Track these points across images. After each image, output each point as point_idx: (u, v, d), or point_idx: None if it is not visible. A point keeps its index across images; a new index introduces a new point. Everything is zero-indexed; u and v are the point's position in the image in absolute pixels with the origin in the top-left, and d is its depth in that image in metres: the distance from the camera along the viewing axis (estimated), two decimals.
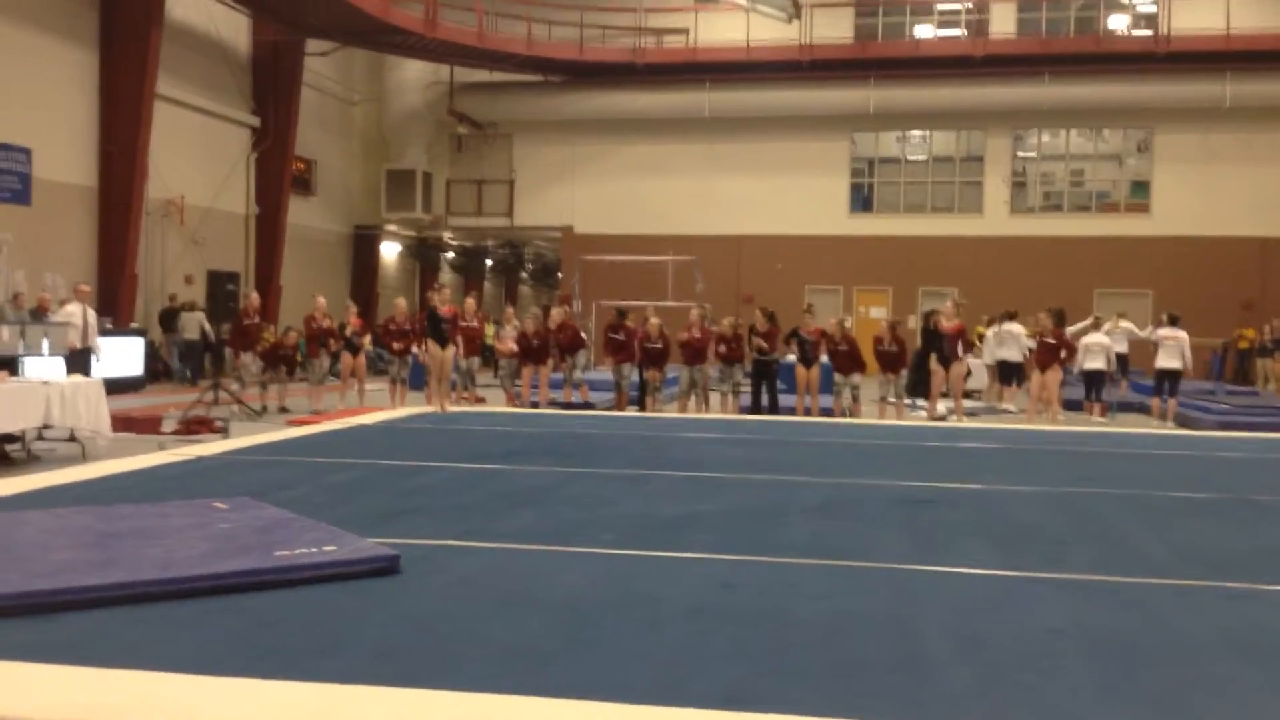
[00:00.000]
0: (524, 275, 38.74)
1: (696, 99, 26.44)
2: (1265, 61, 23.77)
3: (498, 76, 26.99)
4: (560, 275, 29.43)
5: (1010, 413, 15.91)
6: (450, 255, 32.77)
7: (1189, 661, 3.91)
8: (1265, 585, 5.08)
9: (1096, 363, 15.33)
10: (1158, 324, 16.30)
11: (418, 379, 16.41)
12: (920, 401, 15.69)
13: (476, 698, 3.37)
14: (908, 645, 4.05)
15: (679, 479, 8.17)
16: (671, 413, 14.75)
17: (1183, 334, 15.08)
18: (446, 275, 32.11)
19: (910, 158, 27.56)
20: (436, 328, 12.92)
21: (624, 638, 4.08)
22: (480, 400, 16.11)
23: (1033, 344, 15.16)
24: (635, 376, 15.25)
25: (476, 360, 16.36)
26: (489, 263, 35.29)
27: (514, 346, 15.88)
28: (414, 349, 14.73)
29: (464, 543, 5.70)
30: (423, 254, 31.22)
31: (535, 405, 15.24)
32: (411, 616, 4.30)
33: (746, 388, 15.09)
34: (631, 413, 14.64)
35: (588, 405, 15.26)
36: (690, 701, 3.35)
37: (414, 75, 27.41)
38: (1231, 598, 4.86)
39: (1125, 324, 17.68)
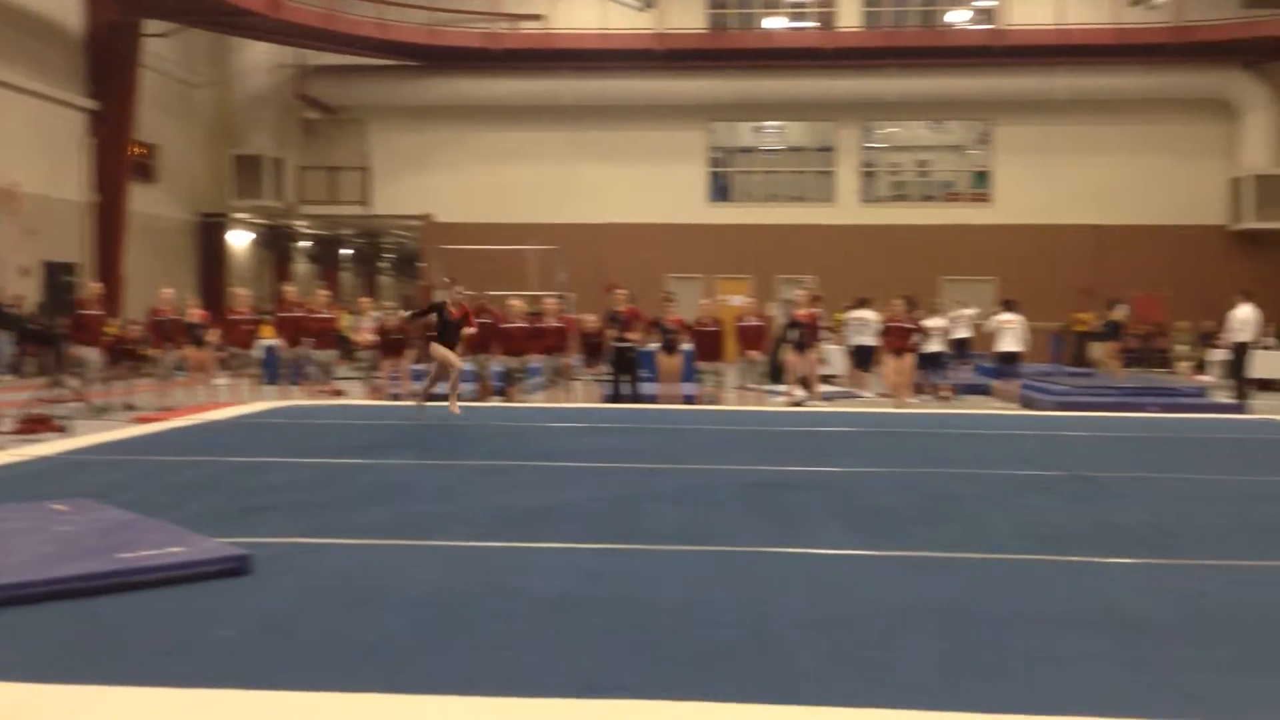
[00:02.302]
0: (383, 265, 38.03)
1: (555, 86, 26.36)
2: (1097, 56, 24.96)
3: (350, 60, 26.38)
4: (421, 264, 28.98)
5: (866, 397, 16.35)
6: (305, 244, 31.94)
7: (1028, 633, 4.09)
8: (1100, 558, 5.35)
9: (935, 345, 15.92)
10: (993, 312, 17.00)
11: (274, 374, 15.96)
12: (779, 388, 16.01)
13: (329, 697, 3.31)
14: (764, 626, 4.13)
15: (541, 469, 8.16)
16: (535, 402, 14.71)
17: (1019, 318, 15.74)
18: (301, 265, 31.29)
19: (766, 147, 28.05)
20: (444, 325, 11.47)
21: (482, 630, 4.05)
22: (338, 393, 15.76)
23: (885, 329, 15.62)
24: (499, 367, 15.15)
25: (334, 352, 16.01)
26: (346, 252, 34.53)
27: (371, 337, 15.58)
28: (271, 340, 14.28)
29: (318, 540, 5.58)
30: (275, 243, 30.36)
31: (396, 398, 15.00)
32: (262, 617, 4.19)
33: (609, 376, 15.16)
34: (495, 403, 14.55)
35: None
36: (548, 691, 3.36)
37: (260, 57, 26.56)
38: (1067, 571, 5.10)
39: (967, 312, 18.39)
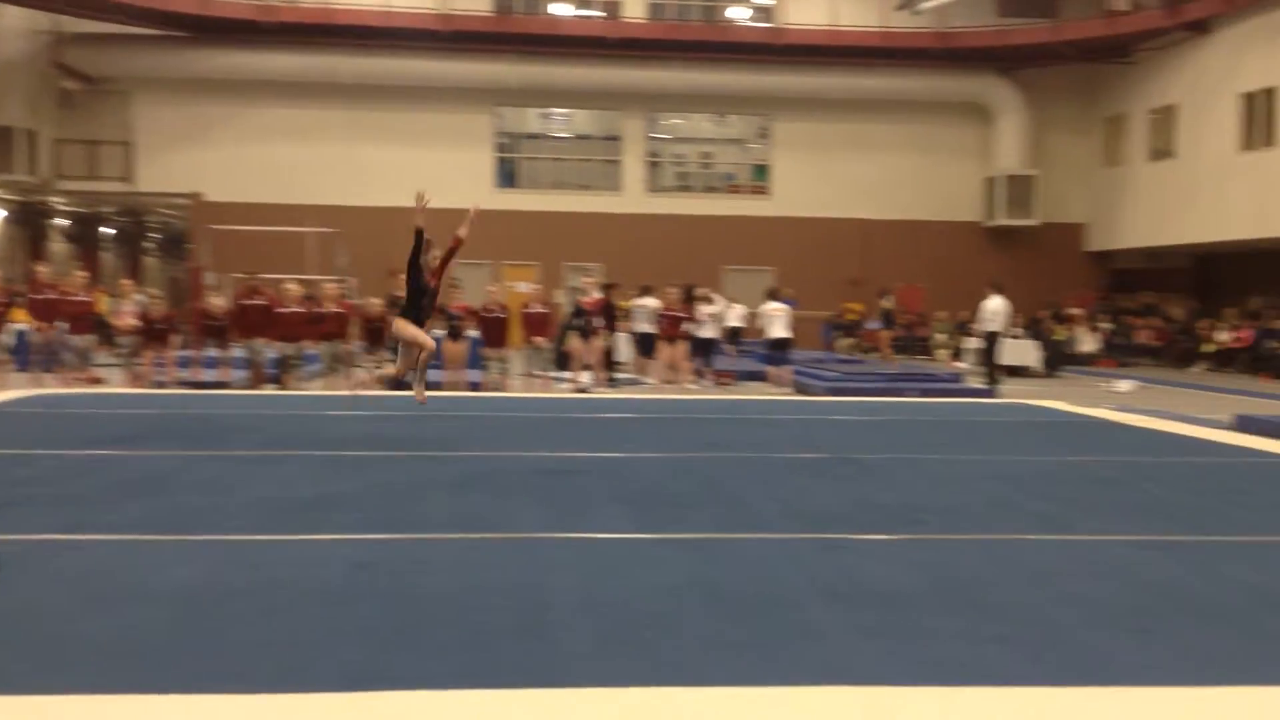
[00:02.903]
0: (148, 245, 35.95)
1: (335, 63, 25.53)
2: (866, 58, 26.14)
3: (113, 28, 24.78)
4: (189, 246, 27.57)
5: (650, 384, 16.63)
6: (61, 222, 29.84)
7: (790, 609, 4.27)
8: (858, 535, 5.63)
9: (708, 332, 16.41)
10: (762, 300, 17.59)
11: (26, 360, 14.86)
12: (565, 374, 16.09)
13: (68, 700, 3.12)
14: (537, 612, 4.15)
15: (317, 459, 7.93)
16: (313, 390, 14.26)
17: (785, 306, 16.34)
18: (57, 244, 29.22)
19: (554, 134, 28.07)
20: (419, 296, 9.28)
21: (245, 627, 3.91)
22: (96, 381, 14.83)
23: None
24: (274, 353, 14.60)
25: (92, 337, 15.05)
26: (108, 231, 32.47)
27: (134, 322, 14.73)
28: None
29: (70, 536, 5.25)
30: (28, 221, 28.22)
31: (161, 385, 14.24)
32: (2, 617, 3.91)
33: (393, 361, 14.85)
34: (269, 391, 14.02)
35: (221, 384, 14.44)
36: (311, 686, 3.28)
37: (12, 22, 24.59)
38: (829, 548, 5.34)
39: (738, 306, 18.98)
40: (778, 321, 15.86)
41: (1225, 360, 21.49)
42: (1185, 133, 23.95)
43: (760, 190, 27.79)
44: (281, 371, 14.56)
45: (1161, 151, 24.78)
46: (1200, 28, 23.17)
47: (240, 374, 14.89)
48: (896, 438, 9.98)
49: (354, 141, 26.22)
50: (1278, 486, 7.53)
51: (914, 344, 25.03)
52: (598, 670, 3.51)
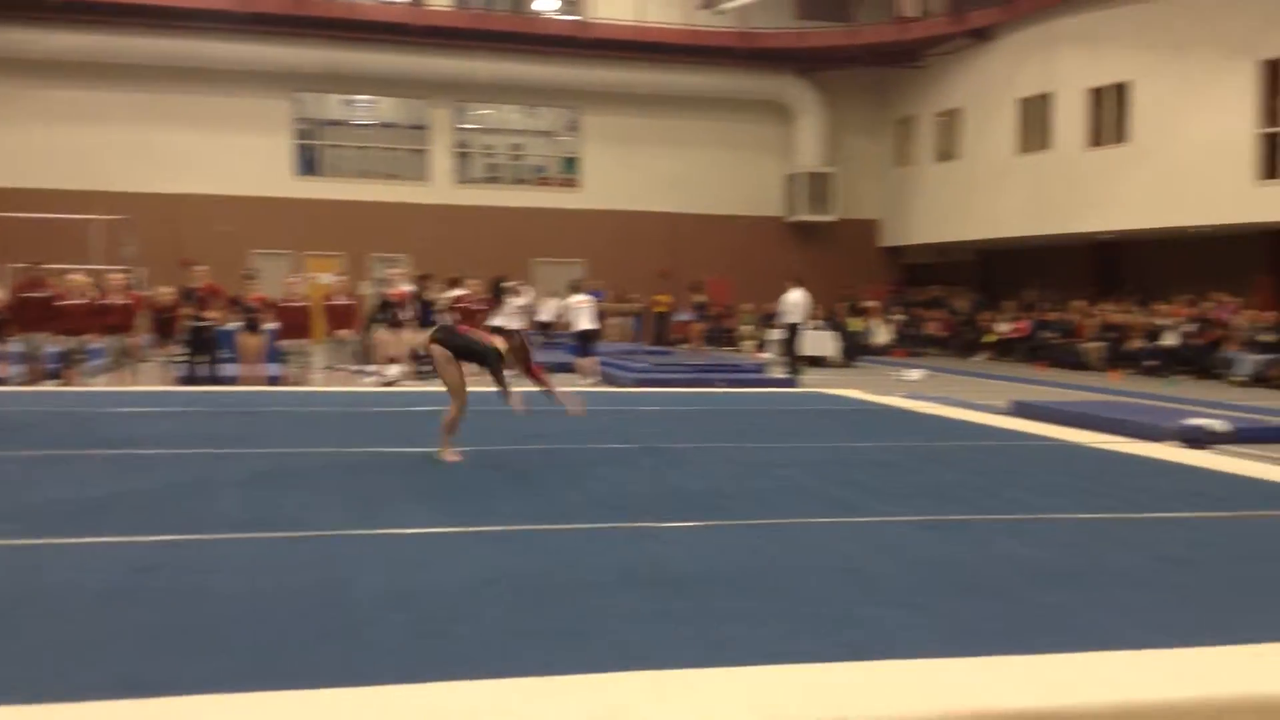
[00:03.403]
0: None
1: (126, 44, 24.16)
2: (672, 54, 26.56)
3: None
4: None
5: None
6: None
7: (596, 596, 4.33)
8: (663, 523, 5.76)
9: (516, 324, 16.41)
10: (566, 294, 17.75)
11: None
12: (370, 368, 15.77)
13: None
14: (339, 609, 4.08)
15: (102, 458, 7.54)
16: (98, 386, 13.52)
17: (589, 298, 16.49)
18: None
19: (357, 122, 27.40)
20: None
21: (17, 634, 3.70)
22: None
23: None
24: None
25: None
26: None
27: None
28: None
29: None
30: None
31: None
32: None
33: (185, 357, 14.23)
34: (50, 388, 13.21)
35: None
36: (85, 693, 3.14)
37: None
38: (634, 536, 5.45)
39: (553, 301, 19.09)
40: (584, 313, 15.98)
41: (1005, 349, 22.88)
42: (969, 135, 25.34)
43: (570, 183, 27.89)
44: (64, 367, 13.76)
45: (947, 153, 26.15)
46: (983, 35, 24.54)
47: (18, 370, 13.98)
48: (702, 427, 10.22)
49: (145, 126, 24.93)
50: (1047, 467, 8.08)
51: (721, 336, 25.65)
52: (406, 663, 3.48)
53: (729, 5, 25.74)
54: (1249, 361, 17.25)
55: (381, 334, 15.54)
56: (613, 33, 25.89)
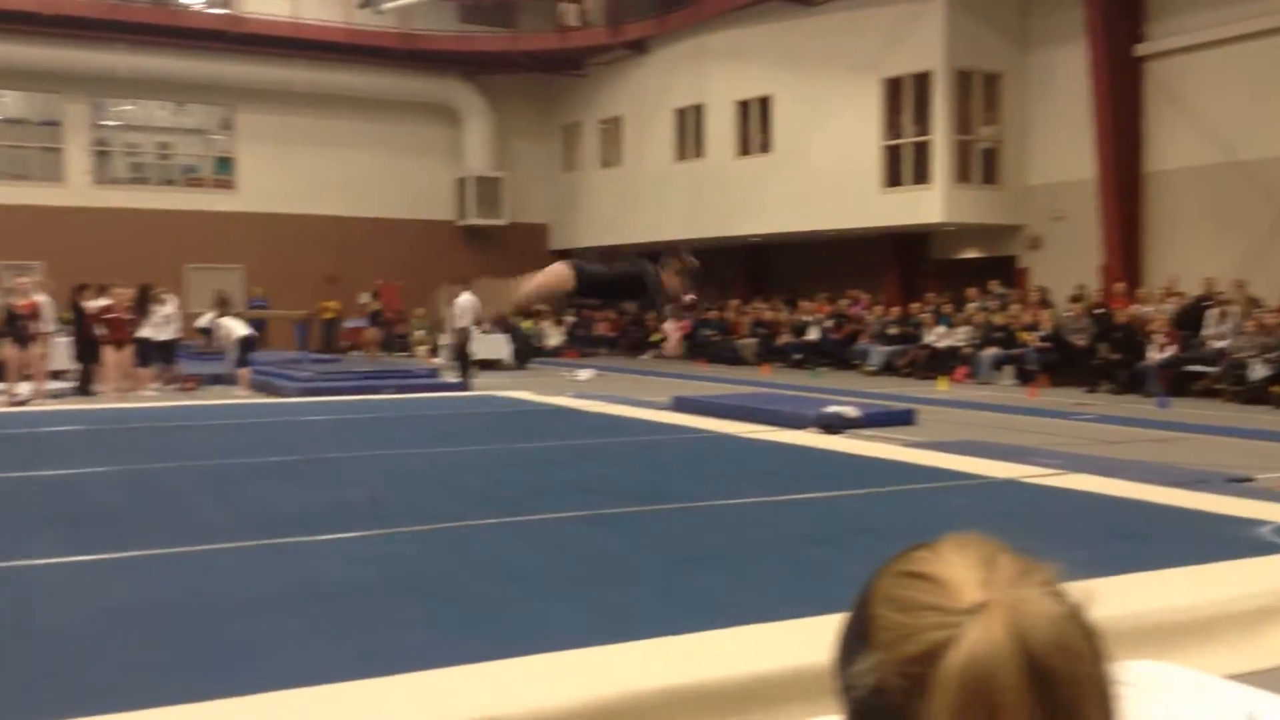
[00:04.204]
0: None
1: None
2: (331, 53, 25.80)
3: None
4: None
5: (101, 392, 15.27)
6: None
7: (237, 620, 4.13)
8: (318, 536, 5.57)
9: (166, 334, 15.51)
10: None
11: None
12: None
13: None
14: None
15: None
16: None
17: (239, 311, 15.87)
18: None
19: None
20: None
21: None
22: None
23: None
24: None
25: None
26: None
27: None
28: None
29: None
30: None
31: None
32: None
33: None
34: None
35: None
36: None
37: None
38: (286, 552, 5.24)
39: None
40: (238, 322, 15.29)
41: None
42: (630, 143, 26.29)
43: (225, 184, 26.52)
44: None
45: (611, 159, 27.00)
46: (639, 47, 25.53)
47: None
48: (368, 435, 10.00)
49: None
50: (702, 458, 8.52)
51: (394, 341, 25.22)
52: (25, 703, 3.18)
53: (389, 5, 25.34)
54: (879, 353, 18.94)
55: (8, 350, 14.12)
56: (266, 28, 24.82)
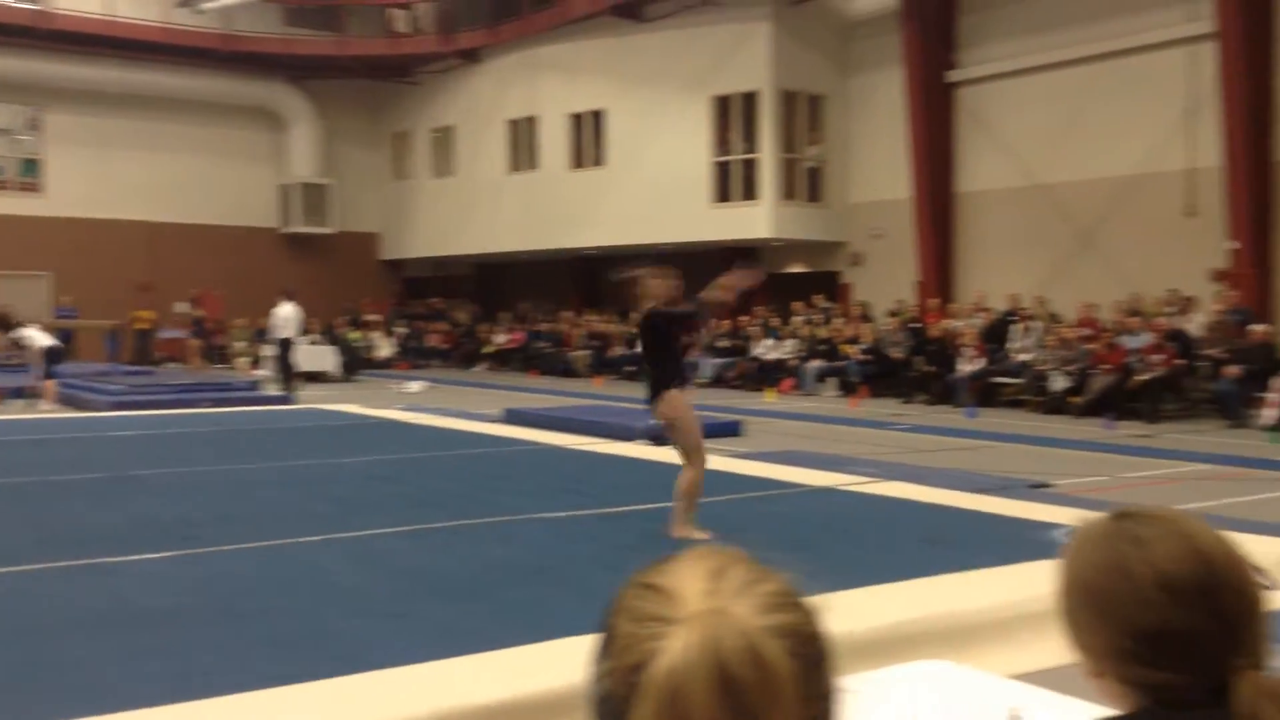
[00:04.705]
0: None
1: None
2: (147, 53, 24.66)
3: None
4: None
5: None
6: None
7: (43, 644, 3.93)
8: (129, 556, 5.34)
9: None
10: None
11: None
12: None
13: None
14: None
15: None
16: None
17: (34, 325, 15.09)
18: None
19: None
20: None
21: None
22: None
23: None
24: None
25: None
26: None
27: None
28: None
29: None
30: None
31: None
32: None
33: None
34: None
35: None
36: None
37: None
38: (95, 574, 5.01)
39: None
40: (43, 332, 14.51)
41: (503, 360, 23.79)
42: (463, 153, 26.06)
43: (31, 187, 25.06)
44: None
45: (443, 169, 26.70)
46: (472, 57, 25.35)
47: None
48: (183, 451, 9.62)
49: None
50: (531, 470, 8.52)
51: (214, 352, 24.27)
52: None
53: (209, 5, 24.45)
54: (709, 365, 19.30)
55: None
56: (77, 25, 23.59)
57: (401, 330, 25.94)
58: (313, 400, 15.48)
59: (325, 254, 27.16)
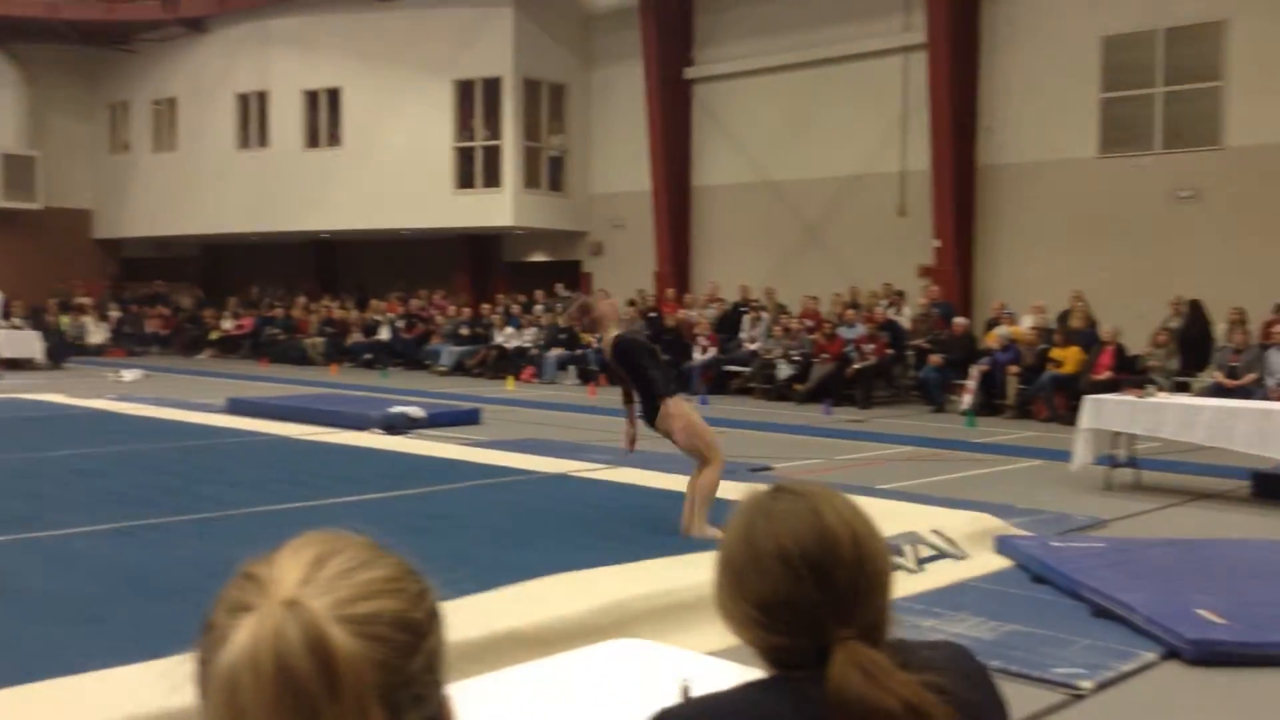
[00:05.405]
0: None
1: None
2: None
3: None
4: None
5: None
6: None
7: None
8: None
9: None
10: None
11: None
12: None
13: None
14: None
15: None
16: None
17: None
18: None
19: None
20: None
21: None
22: None
23: None
24: None
25: None
26: None
27: None
28: None
29: None
30: None
31: None
32: None
33: None
34: None
35: None
36: None
37: None
38: None
39: None
40: None
41: (231, 347, 22.66)
42: (186, 126, 24.57)
43: None
44: None
45: (165, 143, 25.11)
46: (197, 26, 23.95)
47: None
48: None
49: None
50: (250, 461, 8.16)
51: None
52: None
53: None
54: (450, 353, 19.08)
55: None
56: None
57: (116, 314, 24.24)
58: (13, 390, 14.26)
59: (31, 231, 24.98)
